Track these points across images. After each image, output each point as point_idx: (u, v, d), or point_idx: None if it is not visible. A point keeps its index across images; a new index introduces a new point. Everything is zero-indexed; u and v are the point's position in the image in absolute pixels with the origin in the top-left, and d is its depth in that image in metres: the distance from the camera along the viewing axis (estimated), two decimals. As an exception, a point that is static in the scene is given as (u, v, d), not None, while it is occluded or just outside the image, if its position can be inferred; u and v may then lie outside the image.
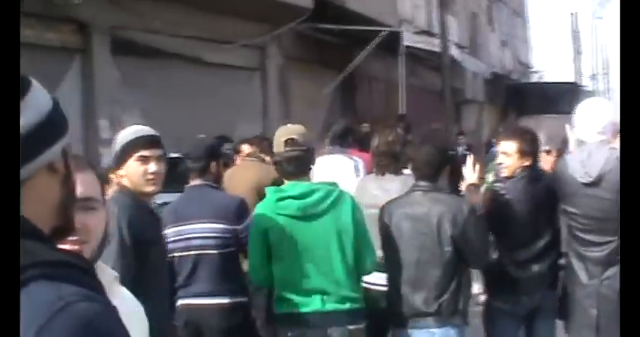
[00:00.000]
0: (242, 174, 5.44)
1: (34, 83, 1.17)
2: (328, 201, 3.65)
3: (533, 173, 4.36)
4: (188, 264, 4.02)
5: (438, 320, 3.76)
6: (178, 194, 4.37)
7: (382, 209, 3.96)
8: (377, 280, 4.08)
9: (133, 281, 2.82)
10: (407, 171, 4.31)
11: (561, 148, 5.36)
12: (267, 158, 5.64)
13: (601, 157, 3.98)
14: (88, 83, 10.67)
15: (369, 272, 3.79)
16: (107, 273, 1.73)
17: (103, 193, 1.74)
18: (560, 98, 24.19)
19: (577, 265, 4.12)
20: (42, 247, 1.07)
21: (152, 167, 3.17)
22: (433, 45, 18.12)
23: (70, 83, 10.55)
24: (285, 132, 3.79)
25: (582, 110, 4.27)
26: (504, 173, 4.35)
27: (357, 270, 3.70)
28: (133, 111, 10.75)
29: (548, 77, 40.56)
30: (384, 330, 4.06)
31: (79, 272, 1.08)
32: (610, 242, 3.95)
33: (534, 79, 38.97)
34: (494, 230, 4.22)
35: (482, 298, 4.51)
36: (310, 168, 3.80)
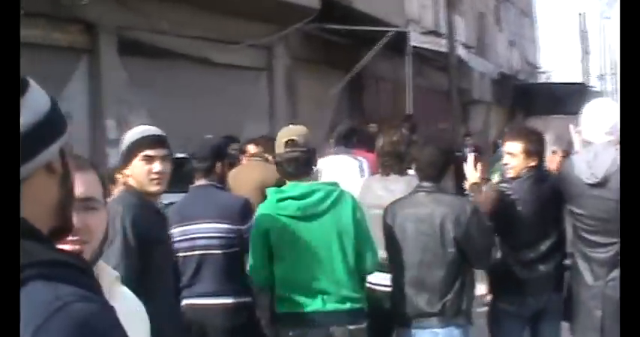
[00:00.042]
0: (246, 174, 5.45)
1: (32, 84, 1.18)
2: (328, 201, 3.66)
3: (538, 173, 4.35)
4: (192, 264, 4.03)
5: (442, 320, 3.77)
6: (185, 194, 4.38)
7: (386, 209, 3.97)
8: (381, 281, 4.08)
9: (136, 281, 2.83)
10: (412, 172, 4.31)
11: (568, 149, 5.34)
12: (271, 158, 5.65)
13: (607, 158, 3.97)
14: (95, 83, 10.69)
15: (370, 272, 3.80)
16: (108, 273, 1.73)
17: (105, 193, 1.74)
18: (568, 99, 24.11)
19: (582, 266, 4.11)
20: (40, 247, 1.07)
21: (157, 167, 3.18)
22: (440, 45, 18.09)
23: (77, 83, 10.57)
24: (286, 134, 3.82)
25: (589, 111, 4.26)
26: (510, 174, 4.35)
27: (358, 270, 3.71)
28: (139, 111, 10.77)
29: (556, 77, 40.45)
30: (388, 331, 4.05)
31: (77, 272, 1.08)
32: (615, 243, 3.93)
33: (542, 79, 38.87)
34: (500, 230, 4.21)
35: (488, 299, 4.50)
36: (312, 169, 3.82)
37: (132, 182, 3.25)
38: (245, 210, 4.10)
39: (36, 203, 1.13)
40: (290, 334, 3.68)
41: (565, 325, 4.41)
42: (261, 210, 3.77)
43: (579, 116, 4.36)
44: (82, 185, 1.64)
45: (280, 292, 3.73)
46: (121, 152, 3.27)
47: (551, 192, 4.30)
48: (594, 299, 4.05)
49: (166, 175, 3.23)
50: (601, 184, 3.98)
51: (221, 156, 4.37)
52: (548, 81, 37.86)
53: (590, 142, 4.18)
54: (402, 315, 3.88)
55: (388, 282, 4.03)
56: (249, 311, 4.17)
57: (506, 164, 4.39)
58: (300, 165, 3.72)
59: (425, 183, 3.88)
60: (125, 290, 1.80)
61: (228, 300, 4.06)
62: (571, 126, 4.87)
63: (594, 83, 42.10)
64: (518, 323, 4.36)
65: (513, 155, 4.32)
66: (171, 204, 4.44)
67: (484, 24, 28.28)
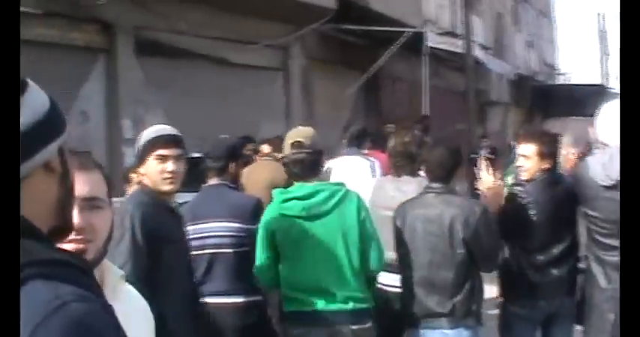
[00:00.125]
0: (257, 173, 5.48)
1: (32, 84, 1.18)
2: (333, 201, 3.68)
3: (552, 176, 4.32)
4: (203, 263, 4.05)
5: (451, 320, 3.76)
6: (200, 193, 4.40)
7: (396, 210, 3.97)
8: (392, 282, 4.09)
9: (145, 280, 2.85)
10: (423, 173, 4.30)
11: (586, 151, 5.31)
12: (280, 157, 5.68)
13: (623, 160, 3.93)
14: (111, 83, 10.75)
15: (376, 272, 3.81)
16: (113, 272, 1.73)
17: (110, 193, 1.74)
18: (587, 100, 23.93)
19: (596, 269, 4.07)
20: (40, 246, 1.07)
21: (170, 166, 3.18)
22: (457, 46, 18.03)
23: (94, 83, 10.63)
24: (293, 135, 3.87)
25: (605, 112, 4.22)
26: (524, 176, 4.32)
27: (363, 270, 3.73)
28: (156, 111, 10.82)
29: (575, 79, 40.21)
30: (399, 331, 4.04)
31: (77, 272, 1.08)
32: (629, 246, 3.90)
33: (560, 80, 38.64)
34: (513, 233, 4.19)
35: (499, 301, 4.48)
36: (319, 170, 3.84)
37: (146, 181, 3.26)
38: (256, 210, 4.10)
39: (35, 202, 1.14)
40: (294, 332, 3.72)
41: (578, 328, 4.38)
42: (267, 210, 3.81)
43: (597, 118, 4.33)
44: (87, 184, 1.65)
45: (286, 291, 3.77)
46: (136, 151, 3.28)
47: (565, 195, 4.27)
48: (607, 303, 4.01)
49: (180, 175, 3.24)
50: (616, 186, 3.94)
51: (235, 156, 4.39)
52: (567, 82, 37.62)
53: (606, 144, 4.14)
54: (412, 315, 3.88)
55: (399, 283, 4.03)
56: (260, 310, 4.18)
57: (520, 166, 4.37)
58: (306, 166, 3.75)
59: (434, 184, 3.88)
60: (130, 288, 1.80)
61: (239, 299, 4.07)
62: (590, 129, 4.83)
63: (613, 85, 41.77)
64: (529, 327, 4.33)
65: (527, 157, 4.29)
66: (186, 203, 4.46)
67: (502, 24, 28.15)
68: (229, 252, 4.10)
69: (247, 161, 5.75)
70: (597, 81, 36.42)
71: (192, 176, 4.11)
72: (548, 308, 4.28)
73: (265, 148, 6.23)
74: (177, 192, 3.32)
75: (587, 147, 5.26)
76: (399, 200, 4.08)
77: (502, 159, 12.71)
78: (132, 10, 10.61)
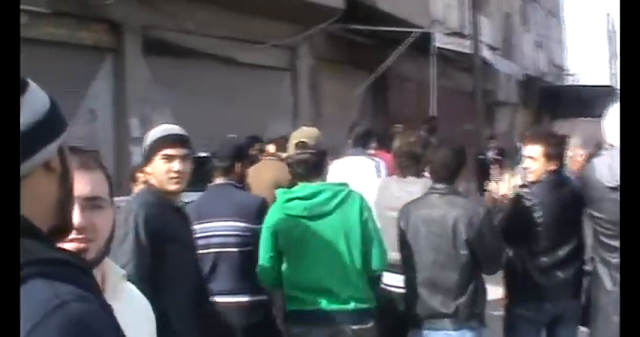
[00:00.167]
0: (262, 173, 5.48)
1: (32, 84, 1.19)
2: (335, 201, 3.70)
3: (558, 177, 4.30)
4: (208, 262, 4.05)
5: (455, 322, 3.76)
6: (206, 193, 4.41)
7: (400, 211, 3.97)
8: (397, 282, 4.08)
9: (148, 280, 2.85)
10: (428, 174, 4.29)
11: (594, 152, 5.28)
12: (284, 156, 5.72)
13: (629, 161, 3.91)
14: (119, 82, 10.78)
15: (378, 272, 3.81)
16: (115, 271, 1.74)
17: (111, 192, 1.74)
18: (596, 101, 23.85)
19: (602, 271, 4.05)
20: (39, 245, 1.08)
21: (176, 166, 3.18)
22: (464, 46, 18.00)
23: (102, 82, 10.67)
24: (297, 136, 3.90)
25: (614, 113, 4.20)
26: (530, 177, 4.30)
27: (365, 270, 3.73)
28: (163, 110, 10.84)
29: (584, 80, 40.10)
30: (403, 332, 4.04)
31: (77, 271, 1.09)
32: (635, 248, 3.88)
33: (569, 81, 38.54)
34: (519, 235, 4.17)
35: (504, 302, 4.46)
36: (322, 171, 3.85)
37: (152, 180, 3.26)
38: (262, 210, 4.11)
39: (35, 201, 1.14)
40: (296, 331, 3.74)
41: (583, 330, 4.36)
42: (270, 210, 3.84)
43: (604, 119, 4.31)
44: (89, 184, 1.65)
45: (288, 290, 3.79)
46: (143, 150, 3.29)
47: (571, 197, 4.25)
48: (613, 305, 3.99)
49: (186, 174, 3.24)
50: (622, 188, 3.93)
51: (241, 156, 4.41)
52: (576, 83, 37.51)
53: (614, 145, 4.11)
54: (416, 316, 3.88)
55: (403, 284, 4.02)
56: (264, 310, 4.19)
57: (526, 168, 4.35)
58: (310, 166, 3.77)
59: (438, 185, 3.87)
60: (132, 288, 1.80)
61: (244, 298, 4.08)
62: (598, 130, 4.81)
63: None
64: (534, 329, 4.31)
65: (534, 159, 4.28)
66: (192, 202, 4.46)
67: (510, 25, 28.09)
68: (234, 252, 4.11)
69: (254, 161, 5.75)
70: (606, 82, 36.29)
71: (199, 175, 4.12)
72: (553, 311, 4.26)
73: (271, 148, 6.23)
74: (184, 191, 3.31)
75: (595, 149, 5.23)
76: (404, 200, 4.07)
77: (509, 160, 12.68)
78: (140, 9, 10.64)
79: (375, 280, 3.85)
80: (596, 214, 4.09)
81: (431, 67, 16.51)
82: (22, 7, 9.15)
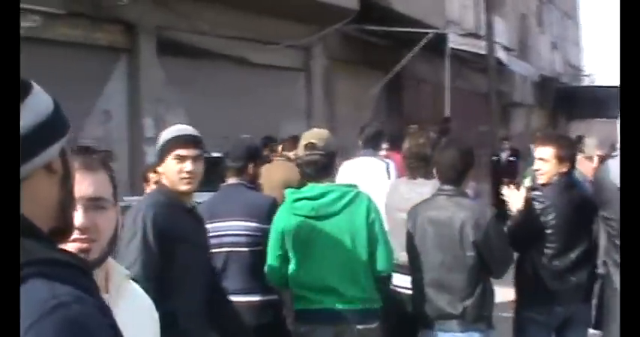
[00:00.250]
0: (272, 173, 5.51)
1: (35, 86, 1.20)
2: (342, 202, 3.72)
3: (569, 180, 4.27)
4: (220, 261, 4.07)
5: (462, 323, 3.75)
6: (219, 193, 4.42)
7: (408, 212, 3.98)
8: (406, 283, 4.07)
9: (156, 279, 2.85)
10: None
11: (610, 152, 5.25)
12: (292, 156, 5.80)
13: (644, 163, 3.87)
14: (133, 82, 10.82)
15: (384, 273, 3.81)
16: (118, 271, 1.75)
17: (115, 193, 1.75)
18: (612, 102, 23.69)
19: (615, 274, 4.01)
20: (39, 246, 1.08)
21: (188, 166, 3.19)
22: (479, 47, 17.93)
23: (116, 82, 10.71)
24: (307, 137, 3.93)
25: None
26: (541, 179, 4.27)
27: (371, 271, 3.75)
28: (177, 110, 10.88)
29: (600, 80, 39.89)
30: (413, 333, 4.03)
31: (76, 272, 1.10)
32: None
33: (585, 82, 38.34)
34: (531, 237, 4.14)
35: (514, 305, 4.43)
36: (331, 172, 3.88)
37: (164, 180, 3.27)
38: (273, 210, 4.11)
39: (36, 202, 1.15)
40: (302, 330, 3.78)
41: (592, 332, 4.33)
42: (279, 210, 3.88)
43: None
44: (92, 185, 1.67)
45: (294, 289, 3.83)
46: (156, 151, 3.29)
47: (582, 199, 4.23)
48: (626, 308, 3.95)
49: (198, 175, 3.24)
50: (635, 190, 3.89)
51: (254, 156, 4.43)
52: (592, 84, 37.30)
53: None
54: (423, 317, 3.88)
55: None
56: (275, 310, 4.20)
57: (537, 170, 4.32)
58: (319, 168, 3.79)
59: (445, 187, 3.86)
60: (135, 287, 1.81)
61: (255, 298, 4.10)
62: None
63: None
64: (544, 332, 4.29)
65: (545, 160, 4.25)
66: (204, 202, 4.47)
67: (526, 26, 27.97)
68: (245, 251, 4.13)
69: (267, 161, 5.77)
70: (623, 83, 36.01)
71: (212, 175, 4.12)
72: (564, 314, 4.24)
73: (281, 148, 6.27)
74: (197, 191, 3.31)
75: (610, 150, 5.20)
76: (413, 202, 4.07)
77: (524, 161, 12.62)
78: (154, 10, 10.68)
79: (383, 281, 3.85)
80: (609, 216, 4.05)
81: (445, 67, 16.45)
82: (36, 8, 9.22)
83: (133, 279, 1.77)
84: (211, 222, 4.04)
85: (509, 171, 12.82)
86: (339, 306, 3.70)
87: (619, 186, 3.94)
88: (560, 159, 4.21)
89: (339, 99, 15.49)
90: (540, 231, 4.17)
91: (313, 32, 13.79)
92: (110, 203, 1.70)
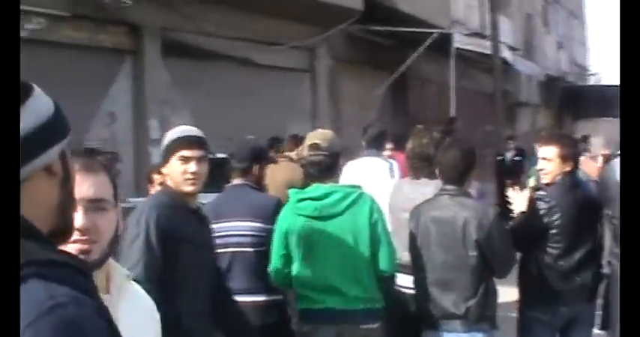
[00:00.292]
0: (276, 174, 5.51)
1: (36, 89, 1.21)
2: (345, 203, 3.75)
3: (573, 179, 4.26)
4: (225, 261, 4.08)
5: (465, 324, 3.75)
6: (224, 194, 4.42)
7: (411, 212, 3.98)
8: (409, 283, 4.07)
9: (158, 280, 2.86)
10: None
11: (614, 152, 5.23)
12: (293, 155, 5.82)
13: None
14: (138, 84, 10.85)
15: (386, 273, 3.82)
16: (119, 272, 1.76)
17: (116, 195, 1.76)
18: (618, 101, 23.61)
19: None
20: (38, 247, 1.09)
21: (192, 167, 3.19)
22: (485, 47, 17.91)
23: (121, 84, 10.74)
24: (311, 137, 3.96)
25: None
26: (545, 179, 4.26)
27: (373, 271, 3.77)
28: (182, 111, 10.89)
29: (606, 79, 39.81)
30: (417, 333, 4.02)
31: (75, 273, 1.11)
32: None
33: (591, 81, 38.27)
34: (536, 237, 4.13)
35: (519, 305, 4.42)
36: (335, 172, 3.90)
37: (169, 182, 3.27)
38: (277, 210, 4.12)
39: (36, 204, 1.16)
40: (304, 329, 3.81)
41: (596, 333, 4.32)
42: (283, 210, 3.90)
43: None
44: (92, 186, 1.68)
45: (298, 289, 3.86)
46: (161, 152, 3.30)
47: (587, 198, 4.22)
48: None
49: (202, 176, 3.24)
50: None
51: (259, 157, 4.44)
52: (598, 83, 37.23)
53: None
54: (426, 317, 3.89)
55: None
56: (280, 310, 4.21)
57: (541, 169, 4.30)
58: (323, 168, 3.82)
59: (448, 186, 3.86)
60: (137, 288, 1.82)
61: (260, 298, 4.10)
62: None
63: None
64: (549, 332, 4.28)
65: (548, 160, 4.24)
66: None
67: (532, 25, 27.93)
68: (250, 251, 4.14)
69: (273, 162, 5.78)
70: (629, 82, 35.90)
71: (218, 176, 4.13)
72: (568, 314, 4.23)
73: (282, 148, 6.31)
74: (201, 192, 3.31)
75: (617, 148, 5.19)
76: (416, 202, 4.08)
77: (529, 161, 12.58)
78: (158, 11, 10.70)
79: (387, 281, 3.87)
80: (614, 215, 4.04)
81: (450, 67, 16.43)
82: (41, 10, 9.25)
83: (135, 280, 1.78)
84: (216, 223, 4.05)
85: (515, 171, 12.77)
86: (341, 306, 3.72)
87: (624, 184, 3.93)
88: (564, 158, 4.21)
89: (344, 99, 15.49)
90: (544, 231, 4.16)
91: (318, 33, 13.79)
92: (111, 204, 1.72)
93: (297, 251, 3.79)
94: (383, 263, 3.76)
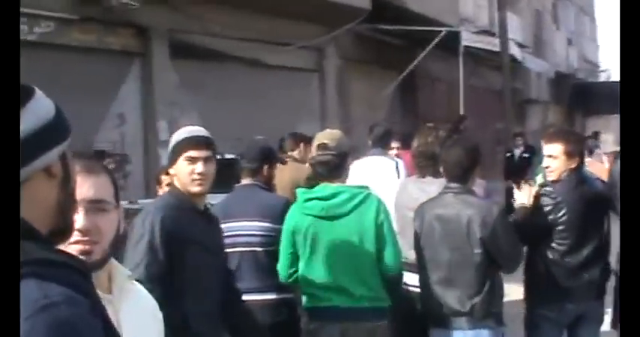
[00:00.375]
0: (282, 174, 5.52)
1: (38, 92, 1.23)
2: (352, 203, 3.77)
3: (580, 175, 4.25)
4: (234, 261, 4.09)
5: (471, 321, 3.76)
6: (234, 194, 4.44)
7: (415, 211, 3.99)
8: (416, 282, 4.09)
9: (161, 280, 2.87)
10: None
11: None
12: (295, 154, 5.86)
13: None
14: (147, 86, 10.87)
15: (392, 272, 3.84)
16: (120, 272, 1.77)
17: (117, 196, 1.78)
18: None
19: None
20: (36, 247, 1.10)
21: (199, 167, 3.19)
22: (494, 44, 17.85)
23: (130, 86, 10.77)
24: (320, 137, 3.99)
25: None
26: (551, 177, 4.24)
27: (378, 270, 3.80)
28: (191, 113, 10.91)
29: (617, 76, 39.56)
30: (424, 331, 4.03)
31: (72, 273, 1.13)
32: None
33: (602, 77, 38.09)
34: (543, 234, 4.12)
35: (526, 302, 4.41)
36: (343, 172, 3.91)
37: (176, 182, 3.27)
38: (286, 210, 4.13)
39: (35, 204, 1.17)
40: (310, 327, 3.86)
41: (604, 331, 4.30)
42: (291, 209, 3.94)
43: None
44: (93, 187, 1.70)
45: (304, 287, 3.89)
46: (168, 152, 3.30)
47: (593, 195, 4.21)
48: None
49: (209, 176, 3.24)
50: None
51: (269, 157, 4.46)
52: (608, 79, 37.04)
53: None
54: (432, 315, 3.90)
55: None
56: (289, 308, 4.22)
57: (546, 167, 4.29)
58: (331, 168, 3.84)
59: (452, 184, 3.87)
60: (139, 288, 1.83)
61: (270, 296, 4.13)
62: None
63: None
64: (556, 329, 4.27)
65: (554, 157, 4.23)
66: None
67: (541, 22, 27.83)
68: (259, 251, 4.17)
69: (282, 162, 5.80)
70: None
71: (227, 177, 4.14)
72: (575, 311, 4.22)
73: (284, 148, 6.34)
74: (210, 193, 3.32)
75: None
76: (422, 200, 4.08)
77: (538, 157, 12.53)
78: (166, 13, 10.72)
79: (393, 281, 3.88)
80: (624, 211, 4.02)
81: (459, 66, 16.38)
82: (50, 14, 9.28)
83: (137, 280, 1.79)
84: (225, 222, 4.06)
85: (523, 168, 12.73)
86: (347, 304, 3.75)
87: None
88: (569, 154, 4.19)
89: (353, 99, 15.48)
90: (551, 227, 4.15)
91: (326, 32, 13.78)
92: (112, 205, 1.73)
93: (303, 250, 3.83)
94: (388, 263, 3.79)
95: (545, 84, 27.58)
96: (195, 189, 3.22)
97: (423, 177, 4.44)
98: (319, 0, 12.48)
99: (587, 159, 4.65)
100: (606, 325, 4.50)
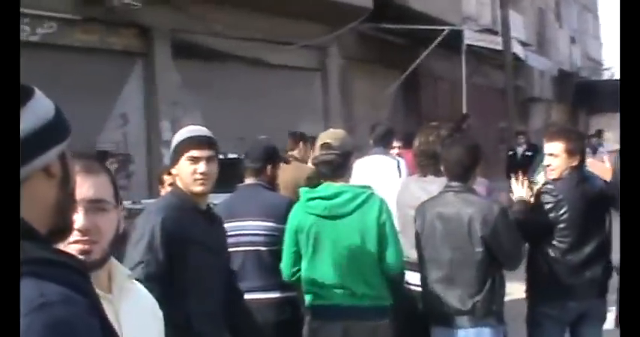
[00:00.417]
0: (284, 173, 5.53)
1: (37, 92, 1.23)
2: (355, 203, 3.79)
3: (581, 173, 4.24)
4: (238, 260, 4.10)
5: (472, 319, 3.77)
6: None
7: (416, 209, 4.00)
8: (418, 280, 4.09)
9: (162, 280, 2.87)
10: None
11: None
12: (294, 154, 5.87)
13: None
14: (149, 86, 10.89)
15: (394, 271, 3.85)
16: (120, 271, 1.78)
17: (117, 196, 1.78)
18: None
19: None
20: (34, 246, 1.11)
21: (201, 167, 3.18)
22: (496, 43, 17.84)
23: (133, 86, 10.79)
24: (323, 137, 4.00)
25: None
26: (552, 175, 4.24)
27: (380, 269, 3.82)
28: (194, 112, 10.92)
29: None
30: (426, 330, 4.03)
31: (70, 272, 1.13)
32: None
33: (605, 76, 38.01)
34: (545, 232, 4.12)
35: (528, 300, 4.41)
36: (346, 172, 3.92)
37: (179, 182, 3.27)
38: (289, 210, 4.14)
39: (34, 204, 1.17)
40: (312, 325, 3.88)
41: (606, 329, 4.29)
42: (294, 208, 3.96)
43: None
44: (92, 187, 1.71)
45: (306, 286, 3.90)
46: (170, 152, 3.30)
47: (595, 193, 4.20)
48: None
49: (212, 176, 3.24)
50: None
51: (272, 157, 4.46)
52: (612, 77, 36.97)
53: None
54: (433, 313, 3.91)
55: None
56: (293, 307, 4.23)
57: (548, 165, 4.29)
58: (334, 167, 3.86)
59: (453, 183, 3.87)
60: (139, 287, 1.84)
61: (274, 295, 4.14)
62: None
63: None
64: (558, 327, 4.27)
65: (555, 155, 4.23)
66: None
67: (544, 20, 27.79)
68: (263, 250, 4.18)
69: (286, 161, 5.81)
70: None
71: (230, 176, 4.14)
72: (578, 309, 4.21)
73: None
74: (213, 192, 3.32)
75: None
76: (423, 199, 4.08)
77: (541, 155, 12.51)
78: (168, 13, 10.73)
79: (395, 280, 3.90)
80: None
81: (462, 64, 16.37)
82: (52, 14, 9.30)
83: (137, 280, 1.80)
84: (229, 222, 4.06)
85: (526, 166, 12.72)
86: (349, 303, 3.77)
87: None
88: (570, 153, 4.19)
89: (355, 98, 15.48)
90: (552, 225, 4.15)
91: (328, 32, 13.79)
92: (111, 205, 1.74)
93: (306, 249, 3.85)
94: (390, 262, 3.80)
95: (548, 82, 27.55)
96: (198, 188, 3.21)
97: (425, 176, 4.44)
98: (322, -1, 12.49)
99: (588, 160, 4.64)
100: (610, 323, 4.49)
